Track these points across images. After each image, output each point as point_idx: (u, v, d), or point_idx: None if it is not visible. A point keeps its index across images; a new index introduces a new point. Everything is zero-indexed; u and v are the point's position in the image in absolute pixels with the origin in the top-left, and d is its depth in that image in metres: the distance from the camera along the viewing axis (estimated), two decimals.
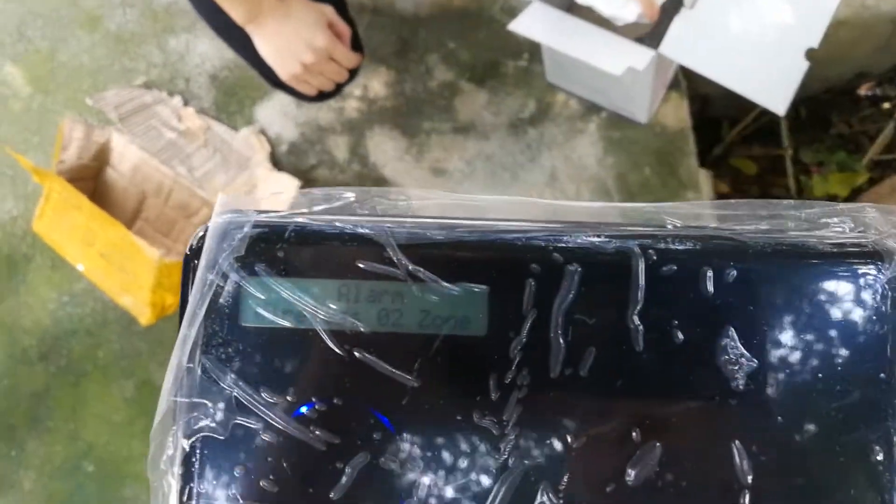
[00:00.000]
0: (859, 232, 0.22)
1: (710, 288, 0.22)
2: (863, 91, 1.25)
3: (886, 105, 1.23)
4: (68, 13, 1.23)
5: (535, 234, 0.22)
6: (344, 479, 0.22)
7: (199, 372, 0.23)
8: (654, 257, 0.22)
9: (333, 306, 0.23)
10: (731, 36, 0.80)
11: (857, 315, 0.22)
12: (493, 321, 0.22)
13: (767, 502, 0.22)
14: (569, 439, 0.22)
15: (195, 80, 1.15)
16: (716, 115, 1.30)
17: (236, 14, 0.80)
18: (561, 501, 0.22)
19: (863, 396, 0.22)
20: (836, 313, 0.22)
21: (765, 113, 1.24)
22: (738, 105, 1.29)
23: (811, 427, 0.22)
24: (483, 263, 0.22)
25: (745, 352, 0.22)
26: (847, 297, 0.22)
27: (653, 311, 0.22)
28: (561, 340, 0.22)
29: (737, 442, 0.22)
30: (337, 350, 0.23)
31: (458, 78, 1.11)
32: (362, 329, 0.23)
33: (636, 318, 0.22)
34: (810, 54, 0.90)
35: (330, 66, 0.85)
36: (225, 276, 0.23)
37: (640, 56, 0.78)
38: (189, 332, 0.22)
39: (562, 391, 0.22)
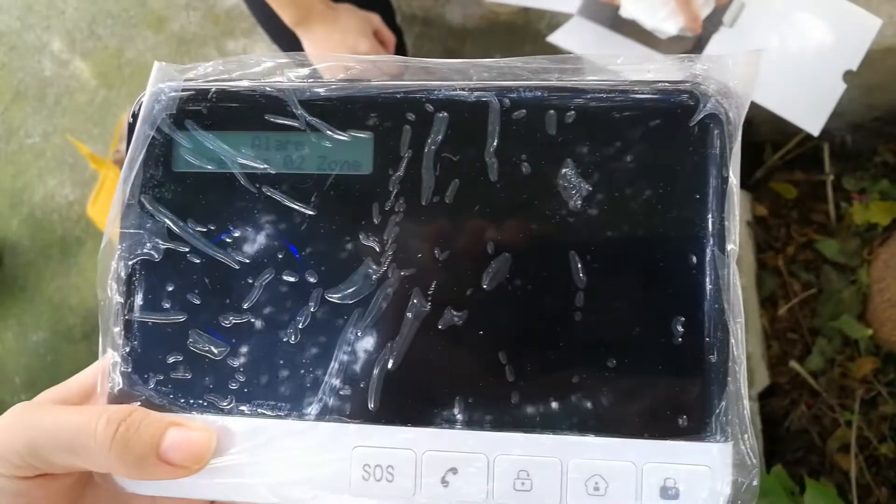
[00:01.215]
0: (683, 80, 0.26)
1: (553, 128, 0.26)
2: None
3: None
4: (137, 13, 1.29)
5: (411, 88, 0.27)
6: (254, 291, 0.27)
7: (138, 208, 0.28)
8: (508, 103, 0.27)
9: (248, 153, 0.28)
10: (769, 55, 0.80)
11: (677, 146, 0.26)
12: (376, 161, 0.27)
13: (597, 301, 0.26)
14: (436, 253, 0.26)
15: None
16: (760, 139, 1.29)
17: (287, 17, 0.84)
18: (429, 303, 0.26)
19: (680, 213, 0.26)
20: (658, 146, 0.26)
21: (808, 138, 1.23)
22: (781, 129, 1.28)
23: (636, 239, 0.26)
24: (368, 114, 0.27)
25: (581, 178, 0.26)
26: (668, 132, 0.26)
27: (506, 148, 0.27)
28: (431, 174, 0.27)
29: (573, 252, 0.26)
30: (250, 188, 0.28)
31: None
32: (271, 171, 0.28)
33: (492, 154, 0.27)
34: (856, 81, 0.89)
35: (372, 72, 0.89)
36: (160, 130, 0.28)
37: (676, 74, 0.79)
38: (129, 174, 0.27)
39: (431, 215, 0.27)
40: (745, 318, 0.97)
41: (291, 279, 0.27)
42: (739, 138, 0.26)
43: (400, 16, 1.20)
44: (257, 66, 0.29)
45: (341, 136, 0.27)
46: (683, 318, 0.26)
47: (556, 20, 1.14)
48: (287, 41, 0.90)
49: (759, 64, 0.26)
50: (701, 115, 0.26)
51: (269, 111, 0.28)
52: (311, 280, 0.27)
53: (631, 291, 0.26)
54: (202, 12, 1.27)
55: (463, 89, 0.27)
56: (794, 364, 1.10)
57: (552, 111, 0.26)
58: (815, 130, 0.78)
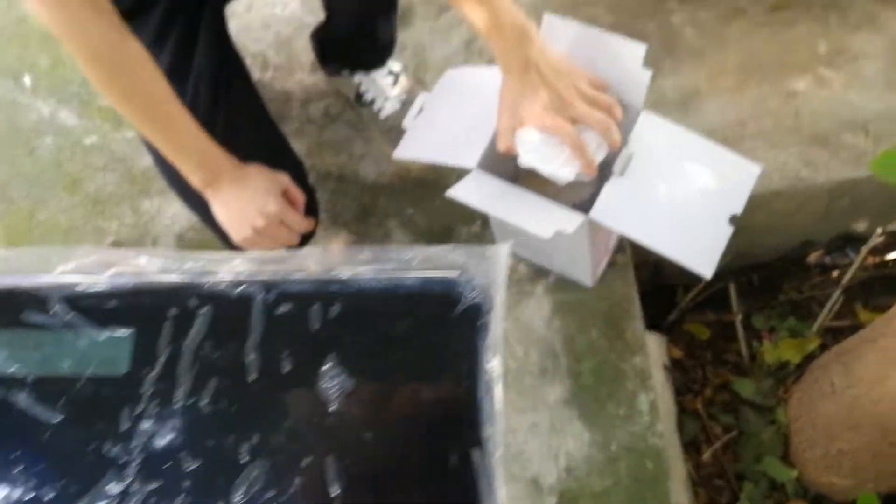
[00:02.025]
0: (446, 271, 0.26)
1: (318, 322, 0.26)
2: (812, 259, 1.29)
3: (835, 273, 1.26)
4: (53, 175, 1.30)
5: (176, 283, 0.26)
6: None
7: None
8: (272, 298, 0.26)
9: (1, 354, 0.25)
10: (659, 202, 0.84)
11: (440, 338, 0.25)
12: (134, 360, 0.25)
13: None
14: (185, 463, 0.24)
15: (162, 239, 1.20)
16: (671, 282, 1.32)
17: (195, 180, 0.84)
18: None
19: (445, 409, 0.25)
20: (422, 339, 0.25)
21: (717, 279, 1.26)
22: (690, 272, 1.33)
23: (396, 441, 0.25)
24: (130, 311, 0.26)
25: (343, 375, 0.25)
26: (432, 324, 0.26)
27: (267, 344, 0.25)
28: (188, 374, 0.25)
29: (330, 458, 0.24)
30: None
31: (414, 241, 1.15)
32: (21, 374, 0.25)
33: (252, 352, 0.25)
34: (749, 223, 0.93)
35: (281, 230, 0.88)
36: None
37: (570, 220, 0.81)
38: None
39: (184, 419, 0.25)
40: (669, 466, 0.93)
41: (28, 496, 0.24)
42: (499, 324, 0.26)
43: (315, 174, 1.23)
44: (18, 261, 0.27)
45: (99, 335, 0.26)
46: None
47: (464, 174, 1.18)
48: (197, 202, 0.90)
49: (508, 255, 0.27)
50: (463, 307, 0.26)
51: (28, 309, 0.26)
52: (49, 497, 0.24)
53: (387, 498, 0.24)
54: (119, 173, 1.27)
55: (228, 283, 0.26)
56: None
57: (317, 305, 0.26)
58: (708, 273, 0.80)
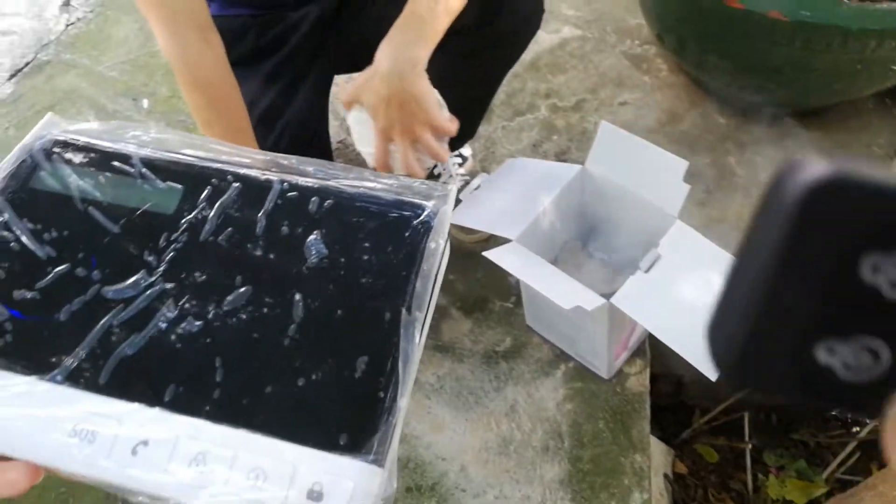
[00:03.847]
0: (415, 198, 0.36)
1: (315, 207, 0.35)
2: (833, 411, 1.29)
3: (856, 429, 1.26)
4: None
5: (220, 164, 0.37)
6: (48, 277, 0.33)
7: None
8: (286, 186, 0.36)
9: (89, 182, 0.36)
10: (678, 301, 0.89)
11: (399, 237, 0.35)
12: (179, 206, 0.35)
13: (306, 334, 0.32)
14: (195, 275, 0.33)
15: None
16: (690, 402, 1.34)
17: None
18: (177, 311, 0.33)
19: (387, 282, 0.33)
20: (387, 235, 0.35)
21: (735, 408, 1.28)
22: (709, 394, 1.34)
23: (348, 294, 0.33)
24: (185, 174, 0.36)
25: (322, 245, 0.34)
26: (395, 227, 0.35)
27: (274, 214, 0.35)
28: (213, 220, 0.35)
29: (298, 294, 0.33)
30: (79, 207, 0.35)
31: (450, 305, 1.22)
32: (101, 199, 0.36)
33: (263, 217, 0.35)
34: None
35: None
36: (32, 156, 0.37)
37: (591, 299, 0.87)
38: None
39: (202, 248, 0.34)
40: None
41: (81, 273, 0.33)
42: (443, 243, 0.35)
43: None
44: (127, 133, 0.39)
45: (160, 185, 0.36)
46: (367, 358, 0.32)
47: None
48: None
49: (454, 194, 0.37)
50: (419, 220, 0.35)
51: (117, 160, 0.37)
52: (95, 277, 0.33)
53: (333, 331, 0.33)
54: None
55: (258, 171, 0.36)
56: None
57: (315, 197, 0.35)
58: (712, 376, 0.84)
